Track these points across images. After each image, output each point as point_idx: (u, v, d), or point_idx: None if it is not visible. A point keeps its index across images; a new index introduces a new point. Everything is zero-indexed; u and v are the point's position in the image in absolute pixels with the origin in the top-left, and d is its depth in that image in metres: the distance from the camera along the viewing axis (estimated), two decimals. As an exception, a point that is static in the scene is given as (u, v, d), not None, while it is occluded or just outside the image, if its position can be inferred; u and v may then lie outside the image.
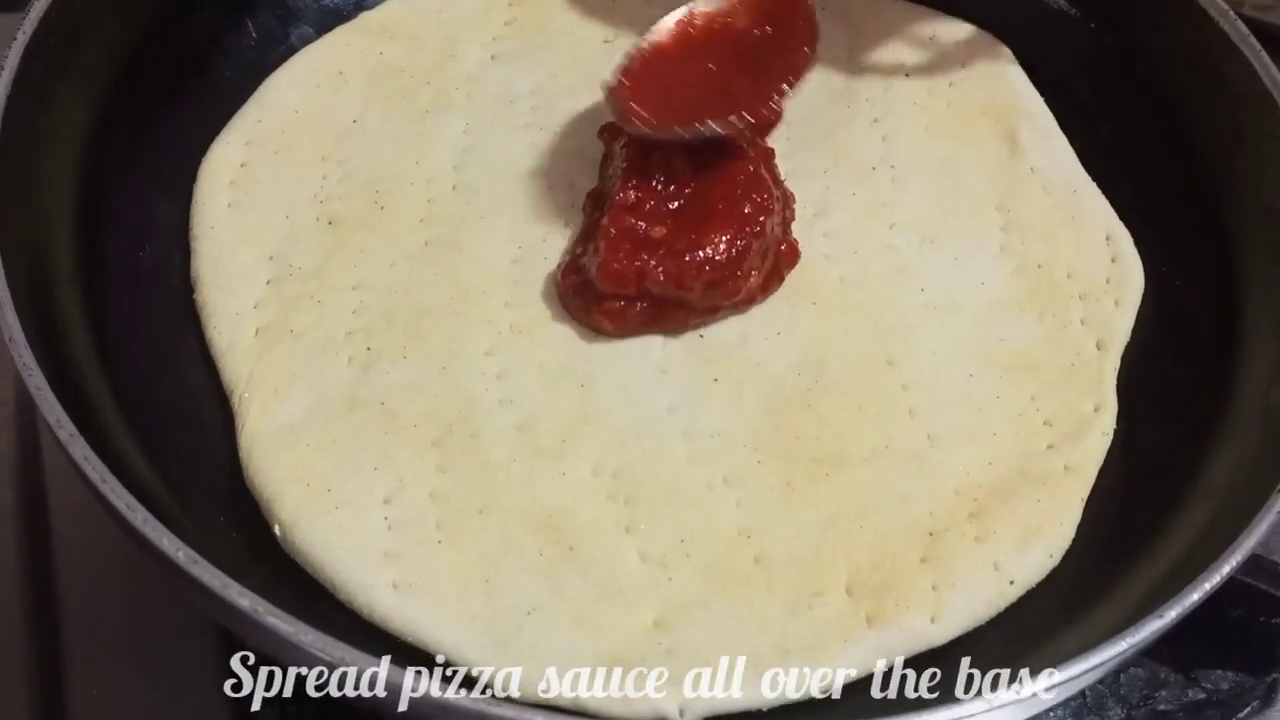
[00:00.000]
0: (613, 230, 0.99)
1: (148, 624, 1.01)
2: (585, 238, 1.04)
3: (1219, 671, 1.02)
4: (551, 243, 1.06)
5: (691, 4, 1.08)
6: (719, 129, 1.01)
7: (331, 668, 0.75)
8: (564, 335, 1.02)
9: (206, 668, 0.99)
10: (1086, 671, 0.78)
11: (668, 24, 1.07)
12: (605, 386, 0.99)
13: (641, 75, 1.04)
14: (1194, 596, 0.82)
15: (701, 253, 0.98)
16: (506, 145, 1.12)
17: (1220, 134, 1.08)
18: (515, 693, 0.84)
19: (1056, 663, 0.78)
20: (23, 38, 0.97)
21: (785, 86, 1.04)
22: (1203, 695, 1.02)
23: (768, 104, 1.04)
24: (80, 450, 0.81)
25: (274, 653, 0.80)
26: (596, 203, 1.05)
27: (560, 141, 1.13)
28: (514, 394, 0.98)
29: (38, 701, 1.00)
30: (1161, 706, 1.01)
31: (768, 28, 1.07)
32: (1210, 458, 0.96)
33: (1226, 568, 0.83)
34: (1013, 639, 0.89)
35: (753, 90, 1.04)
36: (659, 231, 0.99)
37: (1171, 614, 0.81)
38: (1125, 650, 0.79)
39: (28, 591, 1.04)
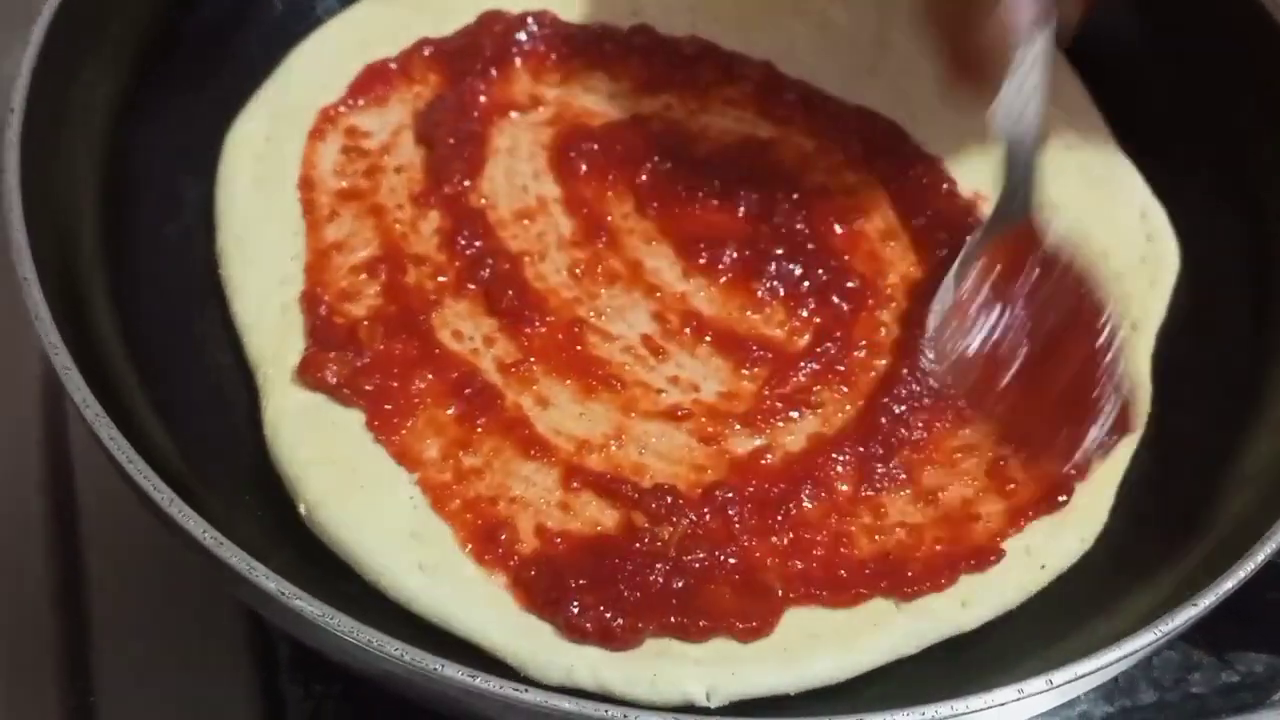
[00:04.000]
0: None
1: (176, 603, 1.01)
2: None
3: (1253, 654, 1.02)
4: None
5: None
6: None
7: (358, 650, 0.75)
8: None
9: (235, 645, 0.99)
10: (1118, 660, 0.77)
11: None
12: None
13: None
14: (1228, 584, 0.81)
15: None
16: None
17: (1257, 111, 1.07)
18: (541, 676, 0.83)
19: (1088, 650, 0.77)
20: (47, 13, 0.96)
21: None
22: (1236, 678, 1.01)
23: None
24: (107, 431, 0.80)
25: (300, 634, 0.79)
26: None
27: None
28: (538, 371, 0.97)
29: (65, 680, 1.00)
30: (1194, 689, 1.00)
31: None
32: (1246, 440, 0.95)
33: (1262, 554, 0.82)
34: (1044, 624, 0.89)
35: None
36: None
37: (1206, 602, 0.80)
38: (1158, 639, 0.78)
39: (56, 570, 1.04)
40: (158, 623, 1.01)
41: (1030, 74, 0.92)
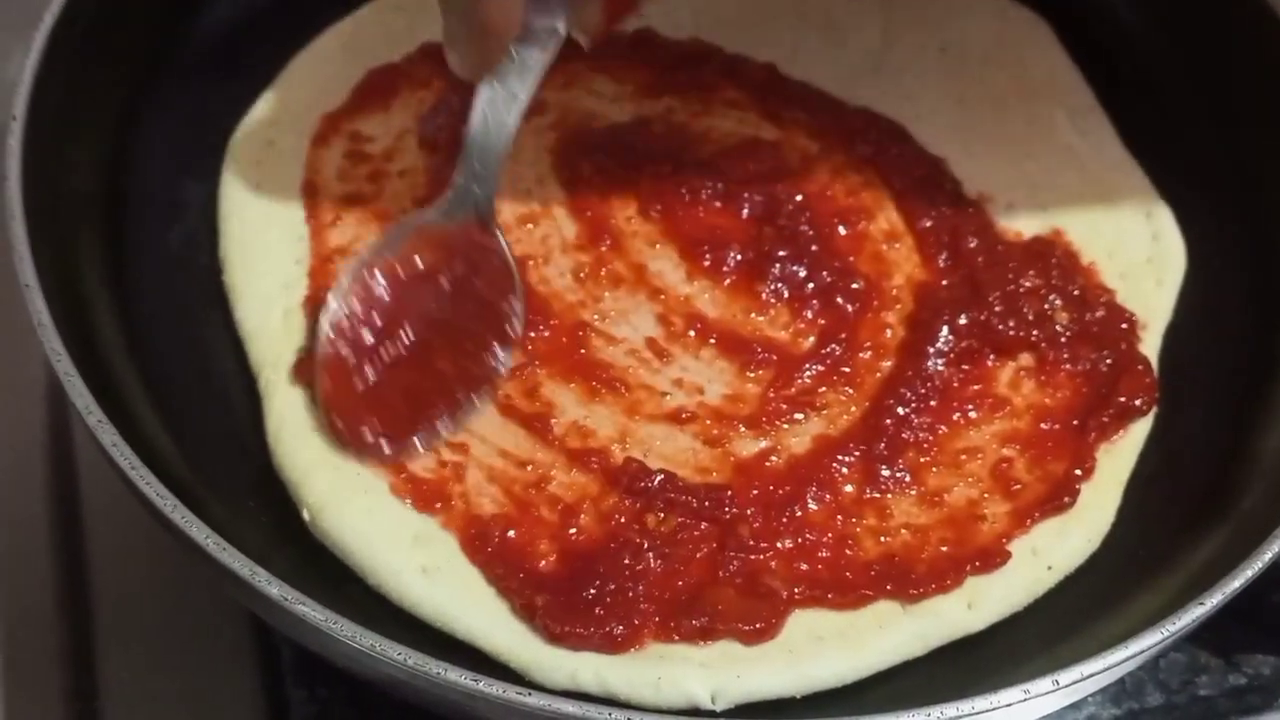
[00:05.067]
0: None
1: (180, 607, 1.02)
2: None
3: (1260, 656, 1.01)
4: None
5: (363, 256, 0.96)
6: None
7: (361, 655, 0.75)
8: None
9: (239, 649, 1.00)
10: (1125, 660, 0.77)
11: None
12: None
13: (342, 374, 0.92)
14: (1236, 583, 0.80)
15: None
16: (539, 119, 1.11)
17: (1263, 111, 1.06)
18: (545, 680, 0.83)
19: (1094, 651, 0.77)
20: (49, 19, 0.96)
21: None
22: (1244, 680, 1.00)
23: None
24: (109, 437, 0.80)
25: (303, 639, 0.79)
26: None
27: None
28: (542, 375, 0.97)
29: (70, 685, 1.00)
30: (1202, 692, 1.00)
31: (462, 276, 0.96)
32: (1253, 440, 0.95)
33: (1270, 553, 0.82)
34: (1051, 625, 0.88)
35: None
36: None
37: (1213, 601, 0.79)
38: (1165, 639, 0.78)
39: (60, 575, 1.04)
40: (162, 627, 1.01)
41: (517, 81, 0.92)
